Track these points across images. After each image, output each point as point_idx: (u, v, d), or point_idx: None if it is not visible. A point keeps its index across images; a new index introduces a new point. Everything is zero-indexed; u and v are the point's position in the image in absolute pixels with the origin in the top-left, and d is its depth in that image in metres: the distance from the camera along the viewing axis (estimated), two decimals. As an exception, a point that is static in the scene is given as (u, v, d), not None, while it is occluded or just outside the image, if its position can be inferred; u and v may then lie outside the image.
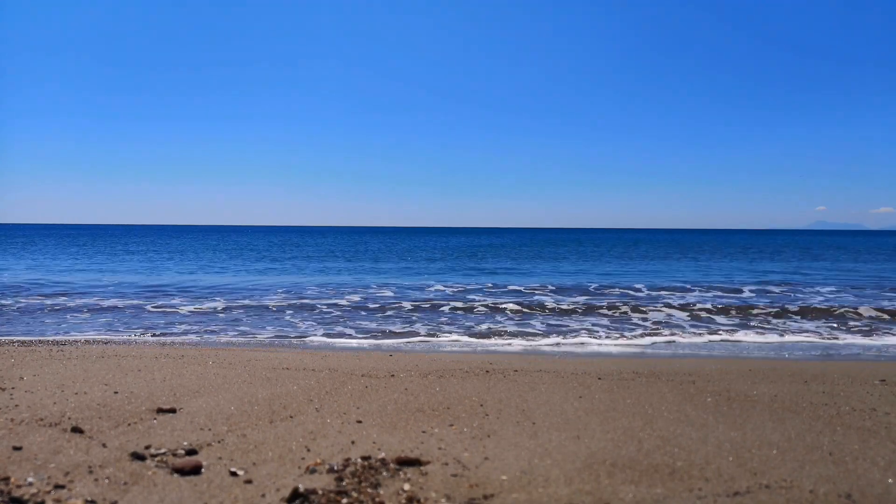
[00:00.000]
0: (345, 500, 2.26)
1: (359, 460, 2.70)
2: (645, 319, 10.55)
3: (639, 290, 15.14)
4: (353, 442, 3.01)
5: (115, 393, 3.92)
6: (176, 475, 2.48)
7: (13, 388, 3.99)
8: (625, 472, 2.64)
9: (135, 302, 12.47)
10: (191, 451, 2.77)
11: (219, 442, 2.95)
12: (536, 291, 14.93)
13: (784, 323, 10.20)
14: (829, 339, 8.56)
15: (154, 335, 8.38)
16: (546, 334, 8.92)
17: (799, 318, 10.78)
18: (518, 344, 8.00)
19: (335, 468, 2.59)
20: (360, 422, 3.41)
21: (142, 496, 2.27)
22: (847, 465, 2.76)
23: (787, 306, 12.07)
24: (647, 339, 8.42)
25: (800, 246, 49.18)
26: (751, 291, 14.95)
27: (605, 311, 11.43)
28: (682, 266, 25.24)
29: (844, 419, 3.63)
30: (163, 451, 2.77)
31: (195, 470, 2.52)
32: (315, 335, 8.70)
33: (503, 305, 12.20)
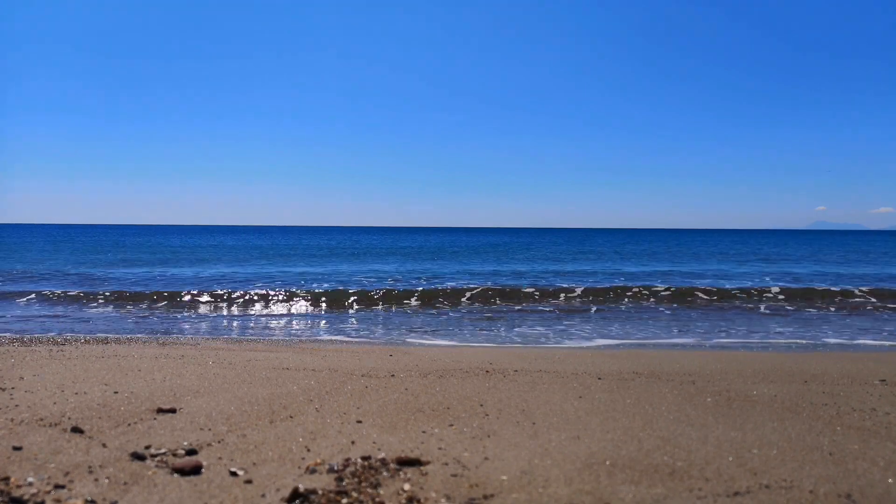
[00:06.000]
0: (345, 500, 2.26)
1: (359, 460, 2.70)
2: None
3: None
4: (353, 442, 3.01)
5: (115, 393, 3.92)
6: (176, 475, 2.48)
7: (13, 388, 3.99)
8: (625, 472, 2.64)
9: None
10: (191, 451, 2.77)
11: (219, 442, 2.95)
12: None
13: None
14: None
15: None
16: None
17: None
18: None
19: (335, 468, 2.59)
20: (360, 422, 3.41)
21: (142, 496, 2.27)
22: (847, 465, 2.76)
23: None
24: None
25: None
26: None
27: None
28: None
29: (844, 419, 3.63)
30: (163, 451, 2.77)
31: (195, 470, 2.52)
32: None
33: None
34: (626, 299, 14.06)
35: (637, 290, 14.98)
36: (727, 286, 16.17)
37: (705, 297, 14.30)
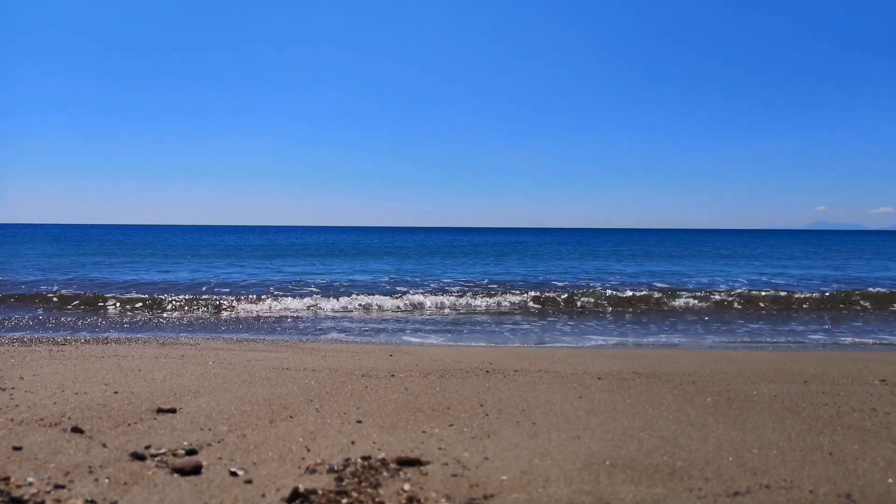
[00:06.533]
0: (345, 500, 2.26)
1: (359, 460, 2.70)
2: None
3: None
4: (353, 442, 3.01)
5: (115, 393, 3.92)
6: (176, 475, 2.48)
7: (13, 388, 3.99)
8: (625, 472, 2.64)
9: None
10: (191, 451, 2.77)
11: (219, 442, 2.95)
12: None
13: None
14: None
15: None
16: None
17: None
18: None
19: (335, 468, 2.59)
20: (360, 422, 3.41)
21: (142, 496, 2.27)
22: (847, 465, 2.76)
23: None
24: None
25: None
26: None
27: None
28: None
29: (844, 419, 3.63)
30: (163, 451, 2.77)
31: (195, 470, 2.52)
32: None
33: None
34: (605, 299, 14.03)
35: (604, 290, 14.98)
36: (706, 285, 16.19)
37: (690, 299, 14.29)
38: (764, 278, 19.71)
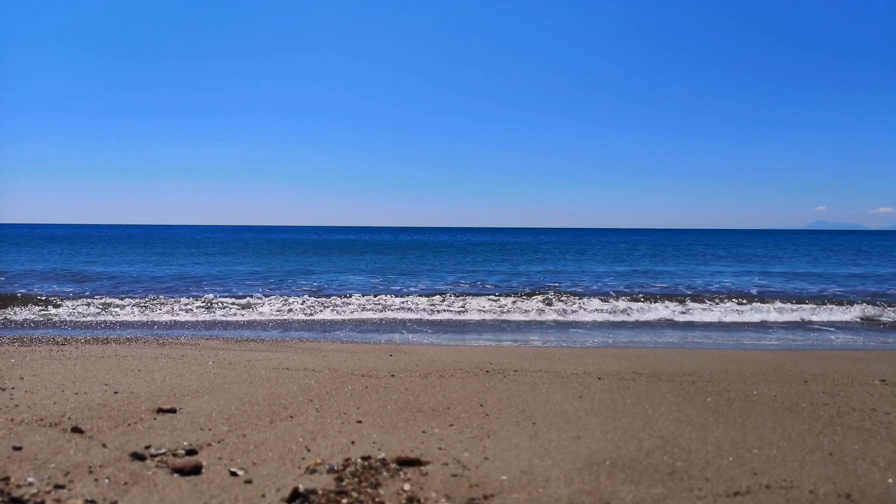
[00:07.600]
0: (345, 500, 2.26)
1: (359, 460, 2.70)
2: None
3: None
4: (353, 442, 3.01)
5: (115, 393, 3.92)
6: (176, 475, 2.48)
7: (13, 388, 3.99)
8: (625, 472, 2.64)
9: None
10: (191, 451, 2.77)
11: (219, 442, 2.95)
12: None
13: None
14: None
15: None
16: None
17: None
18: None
19: (335, 468, 2.59)
20: (360, 422, 3.41)
21: (142, 496, 2.27)
22: (847, 465, 2.76)
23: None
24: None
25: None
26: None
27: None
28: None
29: (844, 419, 3.63)
30: (163, 451, 2.77)
31: (195, 470, 2.52)
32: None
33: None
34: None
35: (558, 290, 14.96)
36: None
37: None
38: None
